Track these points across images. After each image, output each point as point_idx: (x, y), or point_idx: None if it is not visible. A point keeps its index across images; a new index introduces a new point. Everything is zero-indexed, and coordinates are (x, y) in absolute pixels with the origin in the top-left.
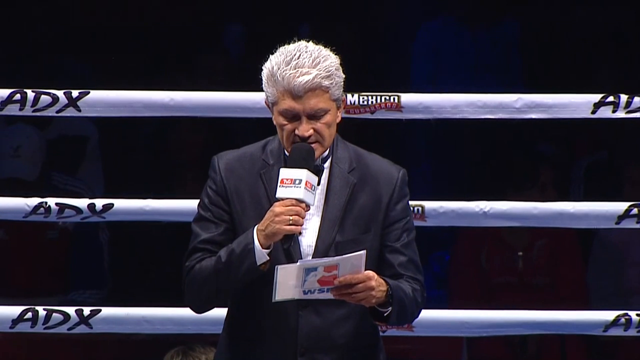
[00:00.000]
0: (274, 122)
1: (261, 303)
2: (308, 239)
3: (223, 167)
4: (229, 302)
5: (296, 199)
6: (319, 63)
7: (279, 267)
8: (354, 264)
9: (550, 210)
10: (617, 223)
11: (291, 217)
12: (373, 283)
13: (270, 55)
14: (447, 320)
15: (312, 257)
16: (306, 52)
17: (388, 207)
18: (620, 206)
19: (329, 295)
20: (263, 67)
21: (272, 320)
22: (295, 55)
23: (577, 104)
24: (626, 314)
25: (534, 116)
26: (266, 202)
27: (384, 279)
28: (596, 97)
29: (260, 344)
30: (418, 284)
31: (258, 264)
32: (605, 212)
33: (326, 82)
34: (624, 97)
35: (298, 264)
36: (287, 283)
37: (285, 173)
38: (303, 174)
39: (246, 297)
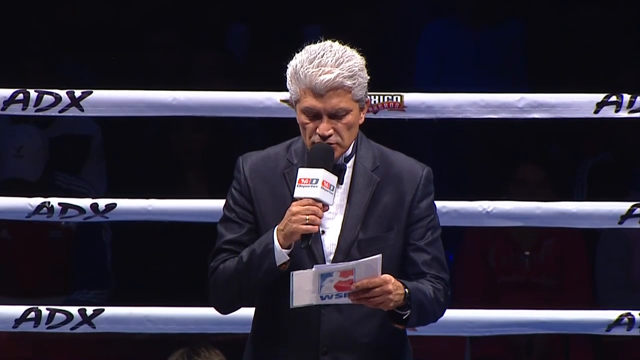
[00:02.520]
0: (298, 121)
1: (284, 303)
2: (331, 238)
3: (247, 168)
4: (255, 302)
5: (313, 199)
6: (342, 63)
7: (294, 273)
8: (370, 268)
9: (553, 210)
10: (620, 223)
11: (308, 217)
12: (390, 287)
13: (296, 54)
14: (450, 319)
15: (335, 255)
16: (330, 51)
17: (411, 205)
18: (624, 206)
19: (346, 300)
20: (288, 66)
21: (294, 320)
22: (319, 54)
23: (580, 103)
24: (629, 314)
25: (536, 116)
26: (290, 202)
27: (402, 282)
28: (599, 97)
29: (283, 344)
30: (442, 282)
31: (278, 264)
32: (609, 212)
33: (348, 82)
34: (626, 97)
35: (313, 269)
36: (304, 289)
37: (303, 173)
38: (320, 173)
39: (269, 297)
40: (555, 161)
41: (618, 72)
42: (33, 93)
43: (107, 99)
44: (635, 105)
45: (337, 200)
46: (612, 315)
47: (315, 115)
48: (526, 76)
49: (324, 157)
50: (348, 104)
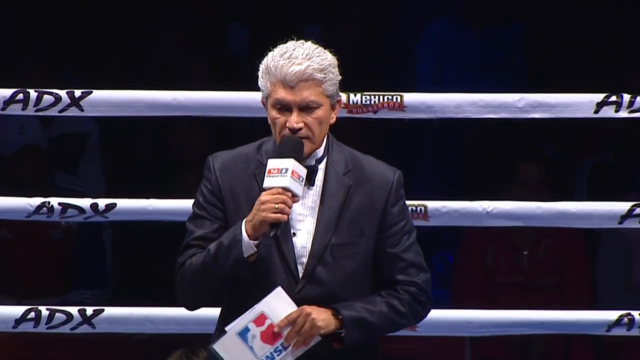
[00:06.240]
0: (269, 119)
1: (252, 300)
2: (302, 240)
3: (218, 167)
4: (222, 304)
5: (282, 188)
6: (312, 57)
7: (216, 346)
8: (279, 303)
9: (554, 210)
10: (620, 223)
11: (277, 205)
12: (308, 309)
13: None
14: (449, 320)
15: (308, 260)
16: (301, 47)
17: (384, 211)
18: (623, 206)
19: (293, 353)
20: (260, 65)
21: None
22: (290, 48)
23: (580, 103)
24: (629, 314)
25: (536, 116)
26: None
27: (330, 306)
28: (599, 97)
29: None
30: (415, 286)
31: (245, 255)
32: (609, 212)
33: (319, 75)
34: (626, 97)
35: (227, 332)
36: (239, 357)
37: (272, 163)
38: (289, 163)
39: (237, 294)
40: (555, 161)
41: (618, 72)
42: (33, 93)
43: (107, 99)
44: (635, 105)
45: (309, 202)
46: (612, 315)
47: (285, 108)
48: (526, 76)
49: (294, 149)
50: (319, 97)
